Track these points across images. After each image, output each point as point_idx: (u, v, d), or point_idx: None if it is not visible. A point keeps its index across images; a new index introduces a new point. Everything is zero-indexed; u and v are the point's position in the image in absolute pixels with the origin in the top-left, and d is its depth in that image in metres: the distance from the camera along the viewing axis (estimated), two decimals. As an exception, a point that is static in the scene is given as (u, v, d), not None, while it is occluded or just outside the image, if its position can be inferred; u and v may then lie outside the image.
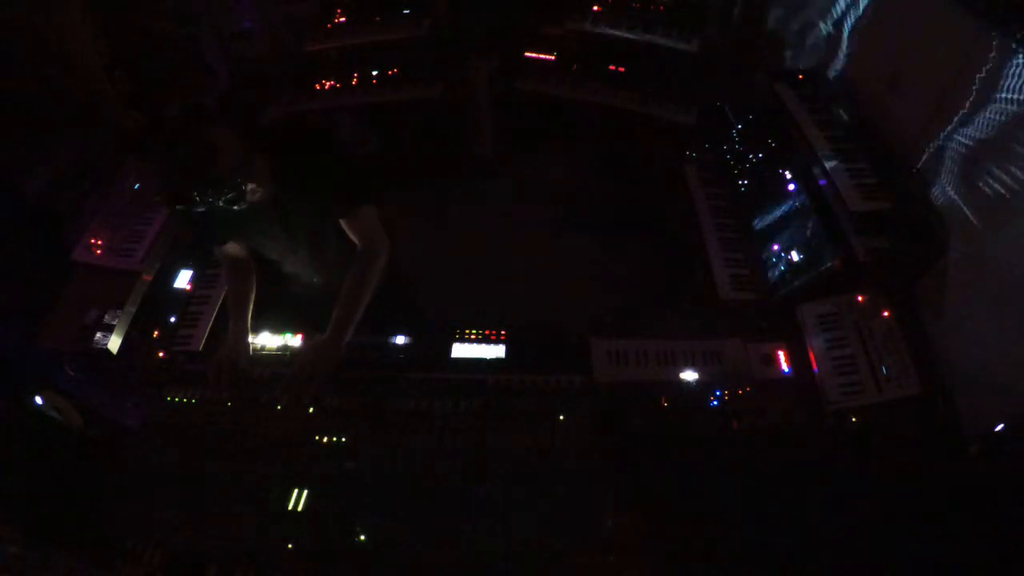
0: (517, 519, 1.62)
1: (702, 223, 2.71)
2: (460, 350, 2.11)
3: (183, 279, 2.49)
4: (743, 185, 2.78)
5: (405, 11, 3.67)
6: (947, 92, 2.03)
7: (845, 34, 2.63)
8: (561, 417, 1.84)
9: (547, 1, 3.57)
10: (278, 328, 2.16)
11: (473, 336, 2.14)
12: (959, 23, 1.95)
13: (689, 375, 2.03)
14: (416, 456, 1.78)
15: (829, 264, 2.17)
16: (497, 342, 2.12)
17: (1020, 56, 1.74)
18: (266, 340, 2.15)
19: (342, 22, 3.75)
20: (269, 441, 1.85)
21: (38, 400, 2.06)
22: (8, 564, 1.51)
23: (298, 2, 3.77)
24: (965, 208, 1.97)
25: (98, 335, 2.30)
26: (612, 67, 3.50)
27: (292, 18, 3.79)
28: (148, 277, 2.51)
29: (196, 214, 1.68)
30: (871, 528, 1.69)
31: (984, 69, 1.88)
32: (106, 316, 2.34)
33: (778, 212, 2.51)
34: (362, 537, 1.63)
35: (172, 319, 2.35)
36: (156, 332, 2.32)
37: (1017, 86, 1.77)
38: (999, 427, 1.73)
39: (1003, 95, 1.83)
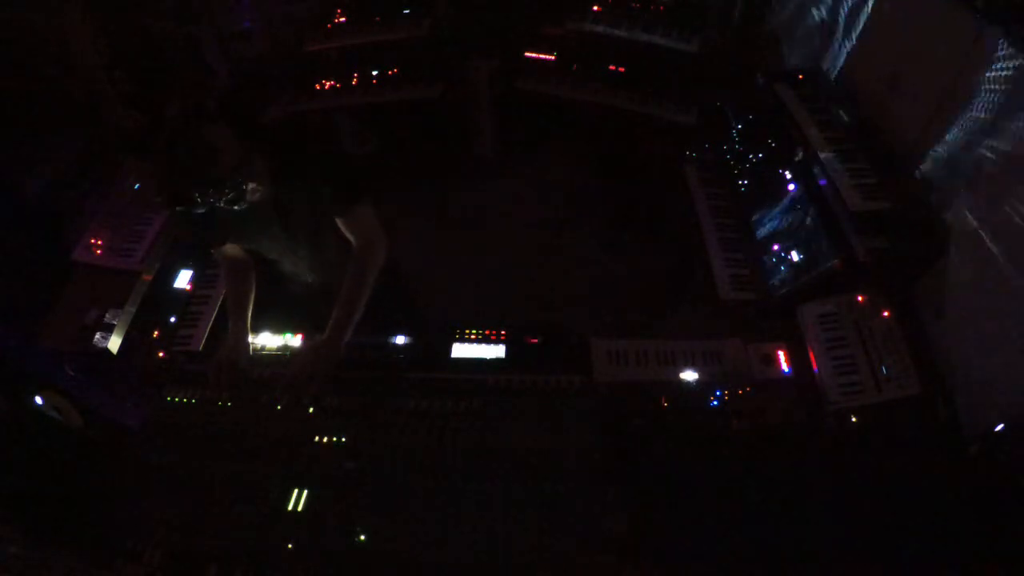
0: (517, 519, 1.62)
1: (702, 223, 2.71)
2: (460, 350, 2.11)
3: (183, 279, 2.49)
4: (743, 185, 2.78)
5: (405, 11, 3.67)
6: (947, 92, 2.03)
7: (845, 34, 2.63)
8: (561, 417, 1.84)
9: (547, 1, 3.58)
10: (278, 328, 2.16)
11: (473, 336, 2.14)
12: (959, 23, 1.95)
13: (689, 375, 2.03)
14: (416, 456, 1.78)
15: (829, 264, 2.17)
16: (497, 342, 2.12)
17: (1020, 56, 1.74)
18: (266, 340, 2.15)
19: (342, 22, 3.76)
20: (269, 441, 1.85)
21: (38, 400, 2.06)
22: (8, 564, 1.51)
23: (298, 2, 3.78)
24: (965, 208, 1.97)
25: (98, 335, 2.30)
26: (612, 67, 3.50)
27: (292, 18, 3.79)
28: (148, 277, 2.51)
29: (196, 215, 1.68)
30: (871, 528, 1.69)
31: (984, 69, 1.88)
32: (106, 316, 2.34)
33: (778, 212, 2.51)
34: (362, 537, 1.63)
35: (172, 319, 2.35)
36: (156, 332, 2.32)
37: (1017, 86, 1.77)
38: (999, 427, 1.73)
39: (1003, 95, 1.83)
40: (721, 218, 2.72)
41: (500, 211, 3.81)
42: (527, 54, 3.65)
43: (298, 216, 1.93)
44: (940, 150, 2.09)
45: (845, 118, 2.41)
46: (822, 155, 2.28)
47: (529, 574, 1.57)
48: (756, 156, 2.80)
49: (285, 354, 2.11)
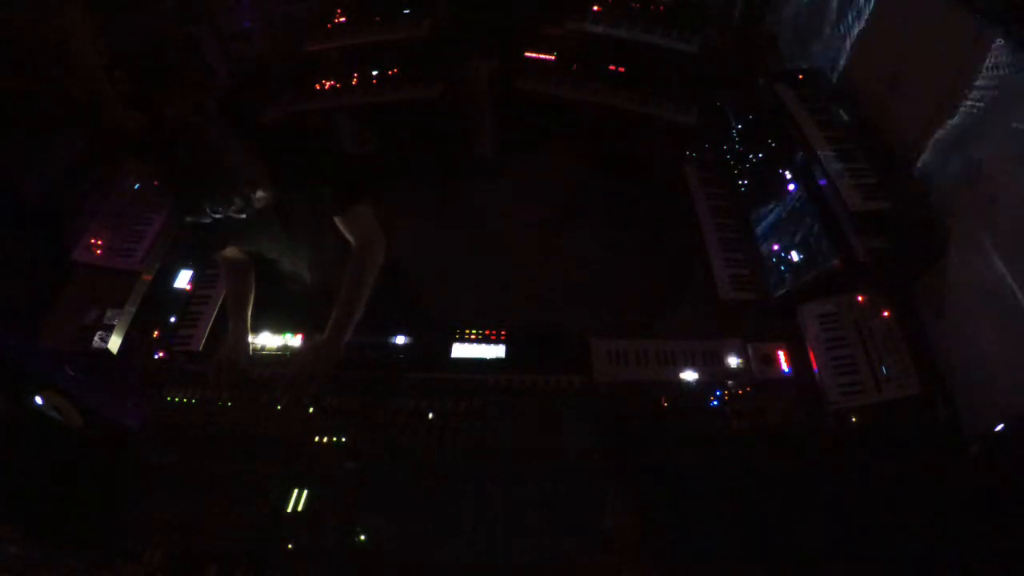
0: (517, 519, 1.63)
1: (702, 223, 2.71)
2: (460, 350, 2.11)
3: (183, 279, 2.49)
4: (743, 185, 2.78)
5: (405, 11, 3.66)
6: (947, 92, 2.03)
7: (845, 34, 2.63)
8: (561, 417, 1.84)
9: (547, 1, 3.58)
10: (278, 328, 2.16)
11: (473, 336, 2.14)
12: (959, 23, 1.95)
13: (689, 375, 2.03)
14: (416, 456, 1.78)
15: (829, 264, 2.17)
16: (497, 342, 2.12)
17: (1019, 56, 1.74)
18: (266, 340, 2.15)
19: (342, 22, 3.76)
20: (269, 441, 1.85)
21: (38, 400, 2.06)
22: (8, 564, 1.51)
23: (298, 2, 3.77)
24: (965, 208, 1.97)
25: (98, 335, 2.30)
26: (612, 67, 3.50)
27: (292, 18, 3.79)
28: (148, 277, 2.50)
29: (203, 224, 1.69)
30: (871, 528, 1.69)
31: (984, 69, 1.88)
32: (106, 316, 2.34)
33: (778, 212, 2.51)
34: (362, 537, 1.63)
35: (172, 319, 2.35)
36: (156, 332, 2.32)
37: (1017, 86, 1.77)
38: (999, 427, 1.73)
39: (1003, 95, 1.83)
40: (721, 218, 2.72)
41: (500, 211, 3.80)
42: (527, 54, 3.65)
43: (298, 216, 1.93)
44: (940, 150, 2.08)
45: (845, 118, 2.41)
46: (822, 155, 2.28)
47: (529, 574, 1.57)
48: (756, 156, 2.80)
49: (285, 354, 2.11)
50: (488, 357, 2.08)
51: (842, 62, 2.65)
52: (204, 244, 1.99)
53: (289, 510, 1.69)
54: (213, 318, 2.33)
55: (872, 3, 2.44)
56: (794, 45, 3.09)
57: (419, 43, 3.61)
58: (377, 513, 1.66)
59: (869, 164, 2.21)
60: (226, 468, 1.79)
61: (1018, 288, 1.75)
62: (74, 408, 2.13)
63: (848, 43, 2.60)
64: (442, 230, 3.72)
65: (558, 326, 2.37)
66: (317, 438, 1.84)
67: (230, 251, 2.06)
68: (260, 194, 1.70)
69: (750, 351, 2.08)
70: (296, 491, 1.72)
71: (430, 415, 1.87)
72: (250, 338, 2.07)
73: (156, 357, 2.24)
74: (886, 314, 2.07)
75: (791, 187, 2.49)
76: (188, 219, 1.66)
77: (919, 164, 2.17)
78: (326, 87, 3.74)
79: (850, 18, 2.58)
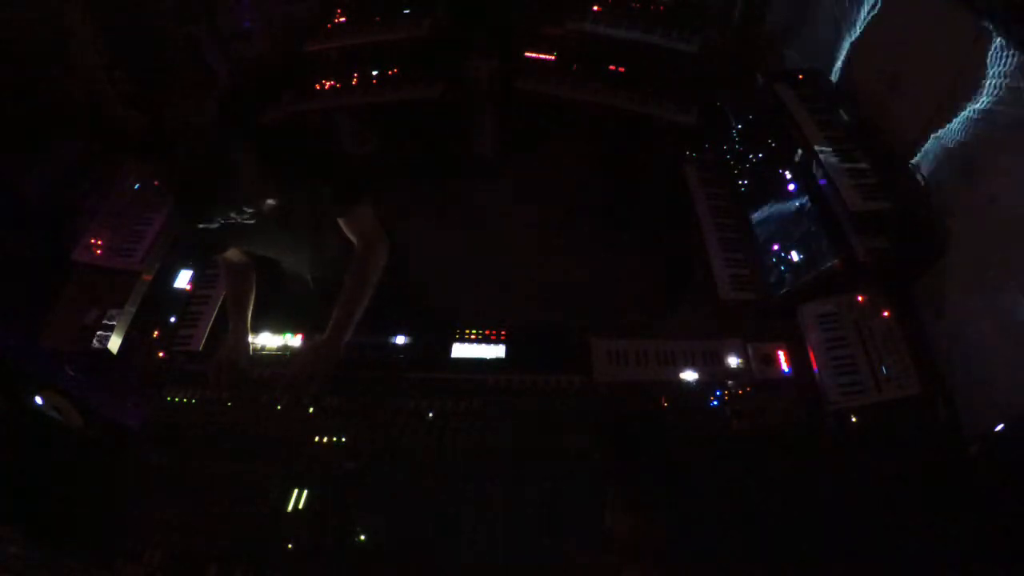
0: (517, 519, 1.62)
1: (702, 223, 2.71)
2: (460, 350, 2.11)
3: (183, 279, 2.49)
4: (743, 185, 2.78)
5: (405, 11, 3.66)
6: (947, 92, 2.03)
7: (845, 34, 2.63)
8: (561, 417, 1.84)
9: (547, 1, 3.58)
10: (278, 328, 2.16)
11: (473, 336, 2.14)
12: (959, 23, 1.95)
13: (689, 375, 2.03)
14: (416, 456, 1.78)
15: (829, 264, 2.17)
16: (497, 342, 2.12)
17: (1019, 56, 1.74)
18: (266, 340, 2.15)
19: (342, 22, 3.76)
20: (269, 441, 1.85)
21: (38, 400, 2.06)
22: (8, 564, 1.51)
23: (298, 2, 3.77)
24: (965, 208, 1.97)
25: (98, 335, 2.30)
26: (612, 67, 3.50)
27: (292, 18, 3.79)
28: (148, 277, 2.51)
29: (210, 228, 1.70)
30: (871, 528, 1.69)
31: (984, 69, 1.87)
32: (106, 316, 2.34)
33: (778, 212, 2.51)
34: (362, 537, 1.63)
35: (172, 319, 2.35)
36: (156, 332, 2.32)
37: (1017, 86, 1.77)
38: (999, 427, 1.73)
39: (1003, 95, 1.83)
40: (721, 218, 2.72)
41: (500, 211, 3.80)
42: (527, 54, 3.65)
43: (298, 216, 1.93)
44: (940, 150, 2.08)
45: (845, 118, 2.41)
46: (822, 155, 2.28)
47: (529, 574, 1.57)
48: (756, 156, 2.79)
49: (285, 354, 2.11)
50: (488, 357, 2.08)
51: (841, 62, 2.65)
52: (206, 246, 1.99)
53: (289, 510, 1.69)
54: (213, 318, 2.34)
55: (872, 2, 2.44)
56: (794, 44, 3.09)
57: (419, 43, 3.61)
58: (377, 513, 1.66)
59: (869, 164, 2.21)
60: (226, 468, 1.79)
61: (1018, 288, 1.75)
62: (74, 408, 2.13)
63: (847, 43, 2.61)
64: (442, 230, 3.72)
65: (558, 326, 2.37)
66: (317, 438, 1.84)
67: (231, 252, 2.06)
68: (270, 201, 1.71)
69: (750, 351, 2.08)
70: (296, 491, 1.72)
71: (430, 415, 1.87)
72: (250, 338, 2.07)
73: (156, 357, 2.23)
74: (886, 314, 2.07)
75: (791, 187, 2.49)
76: (199, 226, 1.67)
77: (919, 164, 2.17)
78: (326, 87, 3.74)
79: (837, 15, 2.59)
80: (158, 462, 1.83)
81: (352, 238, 1.99)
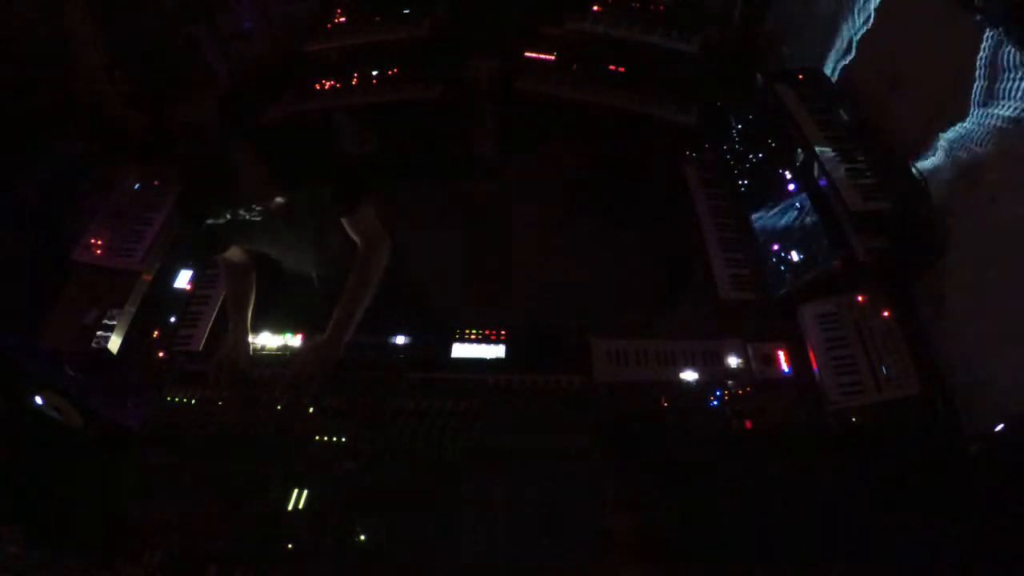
0: (517, 519, 1.62)
1: (702, 223, 2.71)
2: (460, 350, 2.11)
3: (183, 279, 2.49)
4: (743, 185, 2.78)
5: (405, 11, 3.67)
6: (947, 92, 2.03)
7: (845, 34, 2.63)
8: (561, 417, 1.84)
9: (547, 1, 3.58)
10: (278, 328, 2.16)
11: (473, 336, 2.14)
12: (959, 23, 1.95)
13: (689, 375, 2.03)
14: (416, 456, 1.78)
15: (829, 264, 2.17)
16: (497, 342, 2.12)
17: (1019, 56, 1.74)
18: (266, 340, 2.15)
19: (342, 22, 3.76)
20: (269, 441, 1.85)
21: (38, 400, 2.05)
22: (8, 564, 1.51)
23: (298, 2, 3.77)
24: (965, 208, 1.97)
25: (98, 335, 2.30)
26: (612, 67, 3.50)
27: (292, 18, 3.79)
28: (148, 277, 2.51)
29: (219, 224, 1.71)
30: (871, 528, 1.69)
31: (984, 69, 1.87)
32: (106, 316, 2.34)
33: (778, 212, 2.51)
34: (362, 537, 1.63)
35: (172, 319, 2.35)
36: (156, 332, 2.33)
37: (1017, 86, 1.77)
38: (999, 427, 1.73)
39: (1003, 95, 1.82)
40: (721, 218, 2.71)
41: (500, 211, 3.80)
42: (527, 54, 3.65)
43: (299, 216, 1.93)
44: (940, 150, 2.08)
45: (845, 118, 2.41)
46: (822, 155, 2.28)
47: (529, 574, 1.57)
48: (756, 156, 2.79)
49: (285, 354, 2.11)
50: (488, 357, 2.08)
51: (840, 62, 2.65)
52: (207, 245, 1.99)
53: (289, 510, 1.69)
54: (213, 318, 2.34)
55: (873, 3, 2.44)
56: (794, 44, 3.09)
57: (419, 43, 3.61)
58: (377, 513, 1.66)
59: (869, 164, 2.21)
60: (226, 468, 1.79)
61: (1018, 288, 1.75)
62: (74, 408, 2.13)
63: (847, 42, 2.61)
64: (442, 230, 3.72)
65: (558, 326, 2.37)
66: (317, 438, 1.84)
67: (231, 251, 2.06)
68: (279, 200, 1.72)
69: (750, 351, 2.08)
70: (296, 491, 1.72)
71: (430, 415, 1.87)
72: (250, 338, 2.07)
73: (156, 357, 2.23)
74: (886, 314, 2.07)
75: (791, 187, 2.49)
76: (207, 221, 1.68)
77: (919, 164, 2.17)
78: (326, 87, 3.74)
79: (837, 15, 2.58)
80: (158, 462, 1.83)
81: (355, 238, 2.00)
